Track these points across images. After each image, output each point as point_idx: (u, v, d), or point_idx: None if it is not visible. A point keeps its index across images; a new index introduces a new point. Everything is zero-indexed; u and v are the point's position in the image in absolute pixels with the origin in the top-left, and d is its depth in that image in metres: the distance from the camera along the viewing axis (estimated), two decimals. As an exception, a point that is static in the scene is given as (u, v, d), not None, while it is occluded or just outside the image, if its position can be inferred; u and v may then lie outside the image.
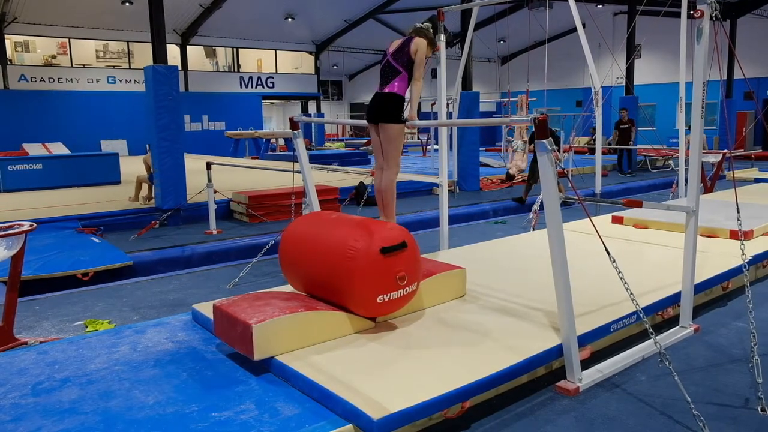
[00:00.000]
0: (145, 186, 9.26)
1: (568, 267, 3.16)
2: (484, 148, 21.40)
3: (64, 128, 20.16)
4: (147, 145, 9.27)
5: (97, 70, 21.48)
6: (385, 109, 3.98)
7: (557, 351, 3.29)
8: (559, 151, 11.42)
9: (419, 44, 4.00)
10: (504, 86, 28.26)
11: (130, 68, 22.03)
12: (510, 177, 11.88)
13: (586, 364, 3.38)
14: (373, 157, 18.08)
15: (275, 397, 2.92)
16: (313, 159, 14.57)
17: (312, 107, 28.15)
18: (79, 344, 3.68)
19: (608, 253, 3.28)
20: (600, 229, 3.92)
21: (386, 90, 4.00)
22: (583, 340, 3.40)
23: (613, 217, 6.77)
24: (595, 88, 9.07)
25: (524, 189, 9.99)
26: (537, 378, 3.35)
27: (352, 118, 33.10)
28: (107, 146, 20.87)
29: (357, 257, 3.32)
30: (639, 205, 3.75)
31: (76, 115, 20.60)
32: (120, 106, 21.26)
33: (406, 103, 4.08)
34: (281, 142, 23.78)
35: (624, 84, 14.70)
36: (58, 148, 18.24)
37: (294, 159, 5.23)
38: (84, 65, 21.46)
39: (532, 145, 10.08)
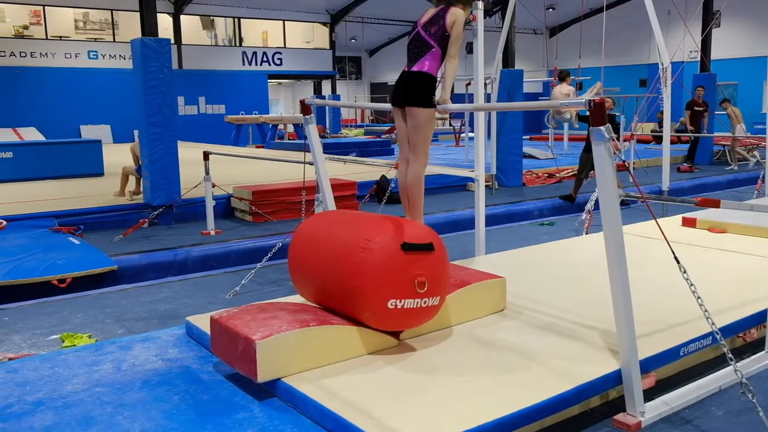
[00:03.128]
0: (132, 179, 9.37)
1: (628, 278, 3.13)
2: (527, 137, 21.27)
3: (38, 111, 20.50)
4: (134, 132, 9.37)
5: (76, 43, 21.82)
6: (414, 91, 3.99)
7: (615, 378, 3.27)
8: (618, 139, 11.34)
9: (457, 15, 3.98)
10: (552, 62, 28.07)
11: (114, 41, 22.35)
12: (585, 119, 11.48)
13: (649, 395, 3.35)
14: (397, 147, 18.07)
15: (281, 425, 2.94)
16: (328, 148, 14.61)
17: (326, 88, 28.25)
18: (54, 362, 3.74)
19: (678, 261, 3.25)
20: (668, 232, 3.88)
21: (415, 68, 4.01)
22: (647, 365, 3.37)
23: (683, 218, 6.69)
24: (663, 64, 8.97)
25: (574, 185, 9.92)
26: (590, 409, 3.32)
27: (373, 100, 33.19)
28: (88, 132, 21.18)
29: (371, 248, 3.35)
30: (716, 204, 3.70)
31: (51, 95, 20.94)
32: (103, 85, 21.57)
33: (437, 84, 4.07)
34: (290, 128, 23.92)
35: (698, 59, 14.51)
36: (31, 134, 18.54)
37: (305, 148, 5.26)
38: (61, 37, 21.80)
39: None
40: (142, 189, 8.97)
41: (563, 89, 11.44)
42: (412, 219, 4.11)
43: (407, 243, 3.37)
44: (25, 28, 21.51)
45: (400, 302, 3.38)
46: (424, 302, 3.45)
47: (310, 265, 3.74)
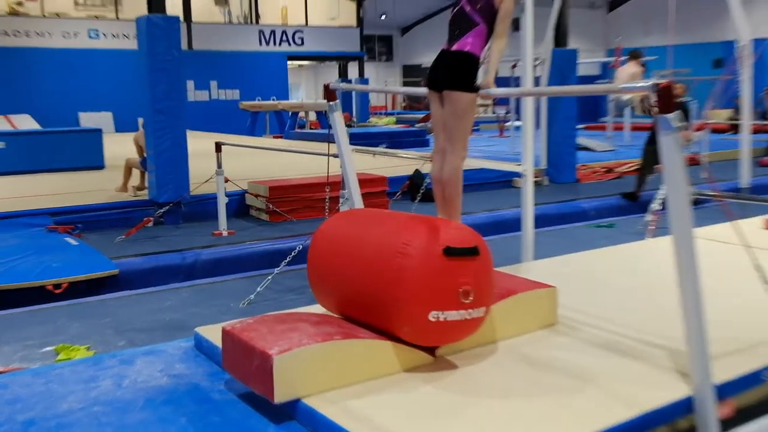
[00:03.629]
0: (136, 173, 9.50)
1: (701, 289, 3.08)
2: (583, 126, 21.08)
3: (33, 96, 20.86)
4: (139, 120, 9.50)
5: (75, 21, 22.18)
6: (454, 73, 3.96)
7: (685, 405, 3.20)
8: (689, 129, 11.17)
9: None
10: (611, 41, 27.77)
11: (117, 19, 22.69)
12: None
13: (727, 425, 3.28)
14: (432, 137, 17.87)
15: (300, 453, 2.95)
16: (355, 139, 14.64)
17: (353, 71, 28.35)
18: (48, 377, 3.79)
19: (759, 270, 3.18)
20: (747, 236, 3.80)
21: (456, 47, 3.98)
22: (724, 391, 3.30)
23: (766, 221, 6.58)
24: (741, 41, 8.81)
25: (637, 181, 9.80)
26: (656, 440, 3.27)
27: (405, 84, 33.23)
28: (87, 120, 21.50)
29: (411, 254, 3.34)
30: (804, 204, 3.63)
31: (47, 79, 21.29)
32: (104, 68, 21.88)
33: (480, 66, 4.05)
34: (312, 116, 24.06)
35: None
36: (25, 122, 18.88)
37: (329, 139, 5.27)
38: (58, 15, 22.16)
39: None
40: (146, 184, 9.10)
41: (629, 69, 11.29)
42: (449, 219, 4.09)
43: (451, 247, 3.36)
44: (19, 4, 21.86)
45: (443, 314, 3.36)
46: (469, 314, 3.43)
47: (334, 271, 3.74)
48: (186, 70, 9.07)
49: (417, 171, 10.16)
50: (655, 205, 7.30)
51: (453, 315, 3.38)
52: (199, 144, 12.07)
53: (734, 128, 16.41)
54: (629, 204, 9.77)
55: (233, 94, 24.26)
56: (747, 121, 9.16)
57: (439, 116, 4.15)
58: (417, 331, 3.41)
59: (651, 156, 9.39)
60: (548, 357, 3.67)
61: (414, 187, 9.61)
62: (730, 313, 4.19)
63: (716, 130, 16.66)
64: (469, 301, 3.40)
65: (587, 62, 19.41)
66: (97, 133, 12.60)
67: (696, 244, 3.05)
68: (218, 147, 8.05)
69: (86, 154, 12.13)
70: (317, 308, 4.26)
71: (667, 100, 2.92)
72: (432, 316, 3.34)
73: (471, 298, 3.40)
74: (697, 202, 9.07)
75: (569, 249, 6.67)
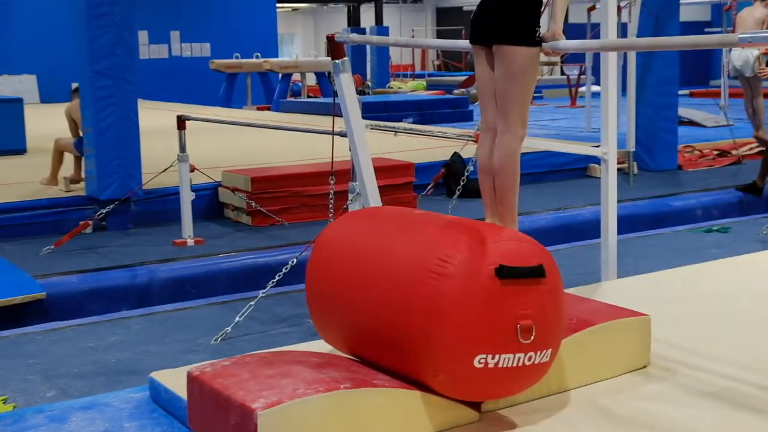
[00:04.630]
0: (69, 158, 9.53)
1: None
2: (687, 92, 21.02)
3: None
4: (73, 86, 9.55)
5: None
6: (506, 20, 3.98)
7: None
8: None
9: None
10: (728, -27, 27.66)
11: (42, -52, 22.80)
12: None
13: None
14: (478, 108, 17.78)
15: None
16: (370, 111, 14.67)
17: (367, 17, 28.38)
18: (-49, 439, 3.82)
19: None
20: None
21: (509, -13, 4.00)
22: None
23: None
24: None
25: (761, 168, 9.74)
26: None
27: (440, 35, 33.17)
28: (2, 87, 21.61)
29: (450, 275, 3.32)
30: None
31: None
32: (24, 16, 22.00)
33: (543, 10, 4.06)
34: (311, 80, 24.04)
35: None
36: None
37: (334, 111, 5.28)
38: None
39: None
40: (84, 174, 9.11)
41: (756, 12, 11.18)
42: (502, 223, 4.09)
43: (506, 266, 3.33)
44: None
45: (493, 358, 3.33)
46: (529, 358, 3.40)
47: (343, 295, 3.75)
48: (137, 17, 9.09)
49: (456, 155, 10.15)
50: (786, 202, 7.26)
51: (507, 360, 3.35)
52: (155, 119, 12.15)
53: None
54: (751, 199, 9.71)
55: (202, 49, 24.33)
56: None
57: (488, 80, 4.15)
58: (457, 381, 3.39)
59: (766, 143, 9.35)
60: (638, 412, 3.66)
61: (452, 178, 9.61)
62: None
63: None
64: (530, 342, 3.37)
65: (693, 3, 19.30)
66: (15, 105, 12.63)
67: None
68: (181, 123, 8.04)
69: (0, 133, 12.17)
70: (319, 345, 4.28)
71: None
72: (479, 361, 3.31)
73: (533, 336, 3.37)
74: None
75: (667, 263, 6.66)
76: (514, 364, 3.37)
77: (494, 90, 4.13)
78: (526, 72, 4.03)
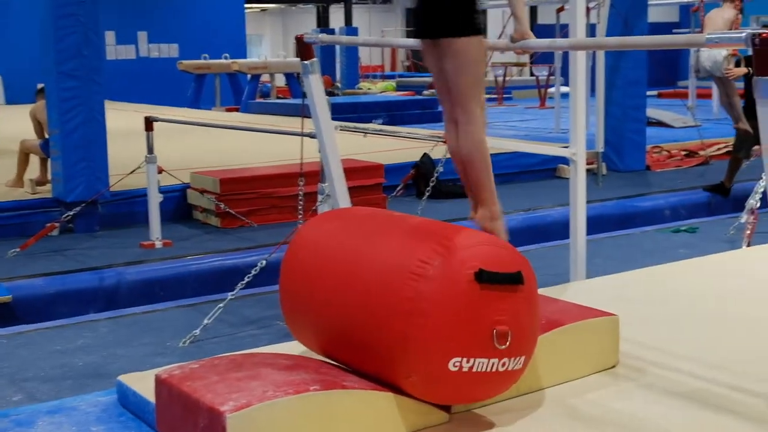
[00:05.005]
0: (35, 160, 9.48)
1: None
2: (655, 92, 21.14)
3: None
4: (38, 87, 9.47)
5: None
6: (445, 12, 3.98)
7: (795, 476, 3.23)
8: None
9: None
10: (694, -25, 27.89)
11: (8, -53, 22.64)
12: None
13: None
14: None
15: None
16: (339, 112, 14.66)
17: (337, 18, 28.37)
18: None
19: None
20: None
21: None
22: None
23: None
24: None
25: (728, 169, 9.82)
26: None
27: (409, 36, 33.19)
28: (-35, 88, 21.44)
29: (430, 276, 3.32)
30: None
31: None
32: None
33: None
34: (280, 81, 24.00)
35: None
36: None
37: (304, 112, 5.27)
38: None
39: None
40: (50, 176, 9.07)
41: (723, 13, 11.27)
42: (484, 208, 4.12)
43: (485, 271, 3.35)
44: None
45: (468, 362, 3.33)
46: (503, 364, 3.41)
47: (318, 295, 3.74)
48: (104, 17, 9.04)
49: (425, 156, 10.16)
50: (752, 202, 7.32)
51: (482, 364, 3.36)
52: (122, 120, 12.10)
53: None
54: (718, 200, 9.79)
55: (170, 50, 24.23)
56: None
57: (440, 72, 4.17)
58: (430, 384, 3.38)
59: (746, 135, 9.41)
60: (607, 411, 3.68)
61: (421, 179, 9.62)
62: None
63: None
64: (505, 347, 3.38)
65: (661, 4, 19.41)
66: (-21, 106, 12.57)
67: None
68: (149, 124, 8.02)
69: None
70: (289, 347, 4.27)
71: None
72: (453, 364, 3.31)
73: (508, 342, 3.39)
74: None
75: (635, 263, 6.69)
76: (488, 369, 3.38)
77: (446, 83, 4.15)
78: (473, 61, 4.05)
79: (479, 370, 3.36)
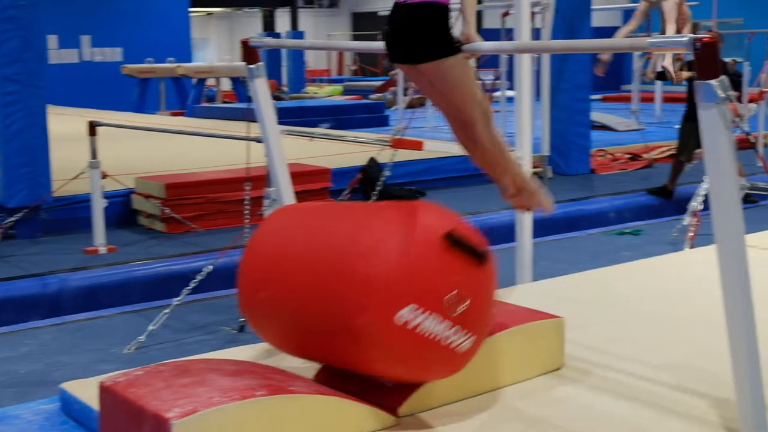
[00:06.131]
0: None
1: (754, 317, 3.15)
2: (599, 96, 21.34)
3: None
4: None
5: None
6: (424, 37, 3.97)
7: (735, 472, 3.28)
8: (740, 100, 11.33)
9: None
10: (638, -20, 28.18)
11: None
12: (662, 75, 11.27)
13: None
14: (394, 113, 17.92)
15: None
16: (286, 116, 14.59)
17: (283, 22, 28.31)
18: None
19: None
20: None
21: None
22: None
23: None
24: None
25: (671, 172, 9.96)
26: None
27: (356, 39, 33.24)
28: None
29: (402, 224, 3.39)
30: None
31: None
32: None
33: (453, 17, 4.08)
34: (226, 85, 23.89)
35: None
36: None
37: (249, 117, 5.25)
38: None
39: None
40: (-9, 182, 8.97)
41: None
42: (511, 178, 4.18)
43: (455, 235, 3.39)
44: None
45: (416, 318, 3.32)
46: (452, 335, 3.42)
47: (286, 285, 3.71)
48: (46, 21, 8.95)
49: (372, 160, 10.16)
50: (695, 204, 7.42)
51: (430, 325, 3.35)
52: (65, 125, 11.98)
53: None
54: (661, 203, 9.91)
55: (113, 54, 24.02)
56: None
57: (431, 93, 4.20)
58: (376, 333, 3.32)
59: (690, 137, 9.54)
60: (551, 414, 3.71)
61: (368, 183, 9.62)
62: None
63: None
64: (457, 315, 3.40)
65: (604, 9, 19.62)
66: None
67: (748, 256, 3.12)
68: (92, 129, 7.97)
69: None
70: (235, 353, 4.26)
71: (709, 60, 2.97)
72: (400, 316, 3.28)
73: (460, 310, 3.41)
74: (750, 200, 9.30)
75: (580, 266, 6.76)
76: (434, 336, 3.37)
77: (442, 102, 4.14)
78: (462, 79, 4.03)
79: (426, 332, 3.34)
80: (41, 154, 8.51)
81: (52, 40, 22.60)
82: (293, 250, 3.74)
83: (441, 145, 8.81)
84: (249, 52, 5.02)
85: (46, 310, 6.75)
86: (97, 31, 23.76)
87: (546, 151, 11.31)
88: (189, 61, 24.48)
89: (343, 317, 3.41)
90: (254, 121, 5.24)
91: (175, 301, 5.92)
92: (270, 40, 5.26)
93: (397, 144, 7.56)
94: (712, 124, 3.02)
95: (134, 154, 11.60)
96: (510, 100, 12.95)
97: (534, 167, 6.10)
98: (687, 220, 7.49)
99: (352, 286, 3.36)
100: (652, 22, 13.70)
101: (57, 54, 22.93)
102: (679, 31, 10.87)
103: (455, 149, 7.93)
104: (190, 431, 3.14)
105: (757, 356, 3.16)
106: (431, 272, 3.35)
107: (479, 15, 28.64)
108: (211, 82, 22.63)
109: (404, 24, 3.99)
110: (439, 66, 3.97)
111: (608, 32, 23.34)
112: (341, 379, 3.65)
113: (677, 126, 10.53)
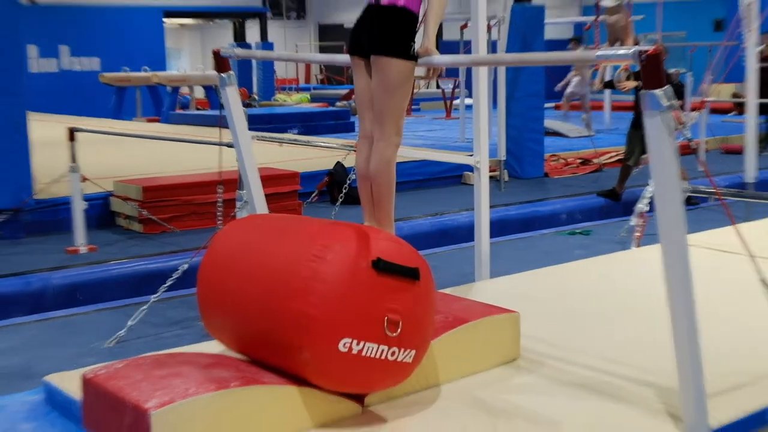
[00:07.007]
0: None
1: (696, 311, 3.19)
2: (552, 104, 21.43)
3: None
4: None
5: None
6: (384, 33, 4.00)
7: (678, 456, 3.32)
8: (682, 109, 11.43)
9: None
10: (588, -4, 28.33)
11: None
12: (610, 84, 11.25)
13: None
14: (358, 119, 17.83)
15: None
16: (256, 123, 14.55)
17: (253, 33, 28.18)
18: None
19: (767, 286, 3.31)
20: (753, 244, 3.94)
21: (386, 1, 4.03)
22: (725, 437, 3.43)
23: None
24: (746, -2, 9.11)
25: (620, 176, 10.03)
26: (644, 503, 3.37)
27: (322, 50, 33.14)
28: None
29: (328, 260, 3.36)
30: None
31: None
32: None
33: (418, 27, 4.11)
34: (199, 93, 23.79)
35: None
36: None
37: (221, 123, 5.24)
38: None
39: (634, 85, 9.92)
40: (-26, 185, 8.89)
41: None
42: (379, 226, 4.12)
43: (383, 260, 3.39)
44: None
45: (359, 345, 3.35)
46: (393, 353, 3.44)
47: (232, 294, 3.74)
48: (26, 31, 8.88)
49: (338, 164, 10.18)
50: (641, 206, 7.47)
51: (372, 349, 3.39)
52: (45, 131, 11.85)
53: (740, 108, 16.90)
54: (610, 205, 9.96)
55: (91, 63, 23.84)
56: (753, 98, 9.41)
57: (365, 90, 4.16)
58: (322, 363, 3.38)
59: (636, 143, 9.61)
60: (508, 402, 3.75)
61: (335, 186, 9.64)
62: (732, 342, 4.34)
63: (717, 110, 17.07)
64: (395, 336, 3.42)
65: (557, 23, 19.72)
66: None
67: (690, 255, 3.16)
68: (72, 134, 7.91)
69: None
70: (210, 346, 4.26)
71: (654, 71, 3.01)
72: (344, 344, 3.33)
73: (399, 331, 3.42)
74: (692, 202, 9.39)
75: (534, 263, 6.79)
76: (378, 356, 3.41)
77: (371, 100, 4.16)
78: (401, 84, 4.05)
79: (369, 354, 3.38)
80: (22, 158, 8.40)
81: (32, 50, 22.44)
82: (245, 264, 3.74)
83: (404, 150, 8.81)
84: (220, 62, 5.01)
85: (29, 307, 6.69)
86: (76, 41, 23.57)
87: (502, 155, 11.33)
88: (163, 70, 24.33)
89: (286, 351, 3.46)
90: (226, 127, 5.23)
91: (153, 297, 5.88)
92: (240, 51, 5.24)
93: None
94: (657, 131, 3.06)
95: (112, 159, 11.52)
96: (469, 107, 13.02)
97: (491, 171, 6.12)
98: (634, 220, 7.53)
99: (290, 323, 3.38)
100: (601, 35, 13.81)
101: (37, 63, 22.76)
102: (623, 43, 10.97)
103: (417, 154, 8.00)
104: (167, 420, 3.15)
105: (698, 348, 3.21)
106: (364, 305, 3.36)
107: (441, 28, 28.52)
108: (184, 90, 22.50)
109: (373, 19, 4.04)
110: (387, 62, 3.99)
111: (560, 44, 23.52)
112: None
113: (626, 132, 10.61)
